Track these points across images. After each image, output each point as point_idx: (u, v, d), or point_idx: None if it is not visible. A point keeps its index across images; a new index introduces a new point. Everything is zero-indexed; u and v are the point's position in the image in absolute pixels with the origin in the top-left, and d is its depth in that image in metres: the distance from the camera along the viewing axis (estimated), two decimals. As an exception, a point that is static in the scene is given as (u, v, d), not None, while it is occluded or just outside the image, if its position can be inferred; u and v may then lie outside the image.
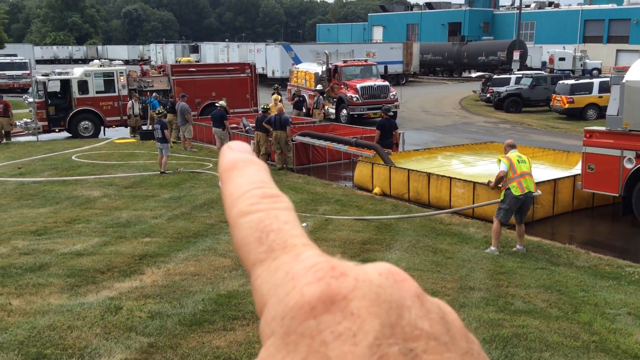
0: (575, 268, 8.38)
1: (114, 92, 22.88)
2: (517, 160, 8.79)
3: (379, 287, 0.36)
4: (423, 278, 7.39)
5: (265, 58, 44.42)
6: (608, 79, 22.88)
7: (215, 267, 7.69)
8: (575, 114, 25.97)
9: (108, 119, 22.85)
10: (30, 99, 22.75)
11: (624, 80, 10.77)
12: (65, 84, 22.38)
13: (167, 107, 19.98)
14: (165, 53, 68.25)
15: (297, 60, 39.14)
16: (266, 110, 16.58)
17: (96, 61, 25.39)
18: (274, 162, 15.95)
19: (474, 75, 48.69)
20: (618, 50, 57.87)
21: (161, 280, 7.20)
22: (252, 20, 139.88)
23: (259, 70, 33.23)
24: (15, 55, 48.83)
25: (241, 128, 19.27)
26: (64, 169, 15.98)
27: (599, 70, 46.25)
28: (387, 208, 11.79)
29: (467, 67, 53.99)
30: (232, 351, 5.36)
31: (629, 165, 10.68)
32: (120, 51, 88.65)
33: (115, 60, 32.17)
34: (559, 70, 43.54)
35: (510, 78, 32.92)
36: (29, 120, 22.43)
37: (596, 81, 26.86)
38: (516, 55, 43.63)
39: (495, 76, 35.63)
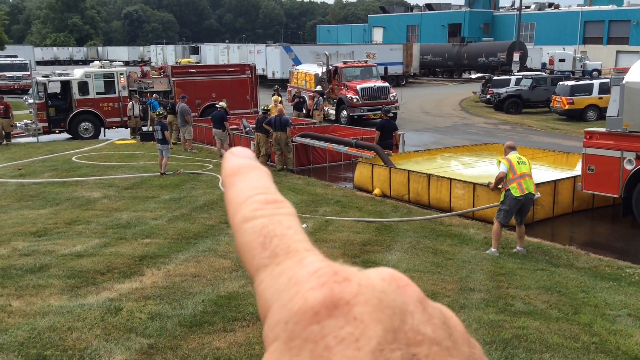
0: (575, 269, 8.38)
1: (114, 93, 22.89)
2: (517, 161, 8.80)
3: (381, 293, 0.37)
4: (423, 279, 7.39)
5: (266, 59, 44.44)
6: (608, 80, 22.88)
7: (215, 268, 7.69)
8: (575, 115, 25.99)
9: (108, 120, 22.86)
10: (31, 100, 22.75)
11: (624, 82, 10.78)
12: (66, 85, 22.40)
13: (168, 108, 19.98)
14: (166, 54, 68.31)
15: (297, 62, 39.15)
16: (266, 112, 16.59)
17: (96, 62, 25.41)
18: (274, 163, 15.95)
19: (474, 76, 48.73)
20: (618, 52, 57.90)
21: (161, 281, 7.20)
22: (252, 22, 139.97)
23: (259, 72, 33.25)
24: (15, 56, 48.91)
25: (241, 129, 19.28)
26: (64, 170, 15.99)
27: (599, 72, 46.27)
28: (387, 209, 11.79)
29: (467, 68, 54.02)
30: (232, 352, 5.36)
31: (629, 167, 10.68)
32: (121, 52, 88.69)
33: (115, 61, 32.14)
34: (559, 71, 43.55)
35: (510, 79, 32.93)
36: (29, 121, 22.44)
37: (596, 82, 26.88)
38: (516, 56, 43.65)
39: (495, 77, 35.65)
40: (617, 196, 11.00)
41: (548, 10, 68.12)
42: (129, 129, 22.66)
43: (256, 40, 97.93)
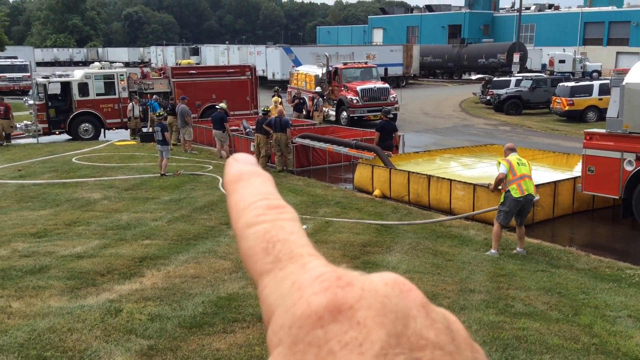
0: (575, 270, 8.38)
1: (115, 94, 22.89)
2: (517, 162, 8.81)
3: (384, 297, 0.37)
4: (423, 280, 7.38)
5: (266, 60, 44.45)
6: (608, 81, 22.88)
7: (215, 269, 7.69)
8: (575, 117, 25.99)
9: (108, 121, 22.87)
10: (31, 102, 22.74)
11: (624, 83, 10.78)
12: (66, 86, 22.40)
13: (168, 109, 19.99)
14: (166, 55, 68.33)
15: (297, 63, 39.17)
16: (266, 113, 16.59)
17: (96, 63, 25.41)
18: (274, 164, 15.96)
19: (474, 77, 48.74)
20: (618, 53, 57.94)
21: (161, 282, 7.20)
22: (252, 23, 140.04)
23: (259, 73, 33.24)
24: (15, 57, 48.97)
25: (241, 130, 19.28)
26: (64, 171, 15.99)
27: (599, 73, 46.32)
28: (387, 210, 11.79)
29: (467, 70, 54.05)
30: (232, 354, 5.35)
31: (629, 168, 10.68)
32: (121, 53, 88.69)
33: (115, 62, 32.14)
34: (559, 72, 43.56)
35: (510, 80, 32.95)
36: (29, 122, 22.44)
37: (596, 83, 26.88)
38: (516, 57, 43.69)
39: (495, 78, 35.66)
40: (617, 197, 11.00)
41: (548, 11, 68.19)
42: (129, 130, 22.67)
43: (256, 42, 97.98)
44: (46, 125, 22.15)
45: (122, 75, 23.33)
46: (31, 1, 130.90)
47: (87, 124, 22.55)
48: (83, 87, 22.34)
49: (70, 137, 22.53)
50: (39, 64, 69.55)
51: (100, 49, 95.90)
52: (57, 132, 22.44)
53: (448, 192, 11.72)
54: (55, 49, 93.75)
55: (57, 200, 12.52)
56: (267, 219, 0.41)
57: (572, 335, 5.93)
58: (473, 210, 11.11)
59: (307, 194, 13.03)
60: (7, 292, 6.80)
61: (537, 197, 9.34)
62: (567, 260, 8.84)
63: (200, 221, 10.53)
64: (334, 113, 25.78)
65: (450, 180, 11.80)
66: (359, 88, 24.72)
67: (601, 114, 23.62)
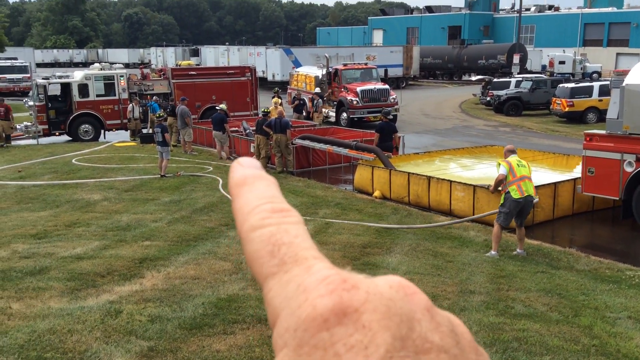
0: (575, 272, 8.38)
1: (115, 95, 22.90)
2: (517, 164, 8.81)
3: (389, 300, 0.37)
4: (423, 282, 7.38)
5: (266, 61, 44.47)
6: (608, 82, 22.89)
7: (215, 270, 7.69)
8: (575, 118, 25.99)
9: (108, 122, 22.87)
10: (31, 103, 22.76)
11: (624, 84, 10.78)
12: (66, 87, 22.41)
13: (168, 110, 20.00)
14: (166, 56, 68.36)
15: (297, 64, 39.18)
16: (266, 114, 16.60)
17: (96, 64, 25.42)
18: (274, 165, 15.96)
19: (474, 78, 48.73)
20: (618, 54, 57.96)
21: (161, 283, 7.20)
22: (252, 24, 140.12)
23: (259, 74, 33.25)
24: (15, 58, 48.98)
25: (241, 131, 19.29)
26: (64, 172, 15.99)
27: (599, 74, 46.32)
28: (387, 211, 11.79)
29: (467, 71, 54.07)
30: (232, 355, 5.35)
31: (629, 169, 10.68)
32: (121, 54, 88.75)
33: (115, 63, 32.17)
34: (559, 73, 43.58)
35: (510, 81, 32.94)
36: (29, 123, 22.45)
37: (596, 85, 26.88)
38: (516, 58, 43.70)
39: (495, 79, 35.67)
40: (617, 198, 11.00)
41: (548, 12, 68.24)
42: (128, 131, 22.68)
43: (256, 43, 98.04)
44: (46, 127, 22.15)
45: (122, 76, 23.34)
46: (31, 2, 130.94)
47: (87, 125, 22.56)
48: (83, 88, 22.35)
49: (70, 138, 22.54)
50: (39, 65, 69.59)
51: (100, 50, 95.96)
52: (57, 133, 22.45)
53: (448, 193, 11.72)
54: (55, 50, 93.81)
55: (57, 202, 12.52)
56: (272, 222, 0.42)
57: (572, 337, 5.93)
58: (473, 211, 11.12)
59: (307, 195, 13.03)
60: (7, 294, 6.80)
61: (536, 199, 9.34)
62: (567, 262, 8.84)
63: (200, 222, 10.53)
64: (334, 114, 25.79)
65: (451, 182, 11.80)
66: (359, 89, 24.74)
67: (601, 115, 23.62)
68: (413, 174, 12.67)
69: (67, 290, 6.93)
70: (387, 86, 26.05)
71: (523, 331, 5.98)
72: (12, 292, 6.86)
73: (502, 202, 8.93)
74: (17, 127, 22.29)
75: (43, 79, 22.98)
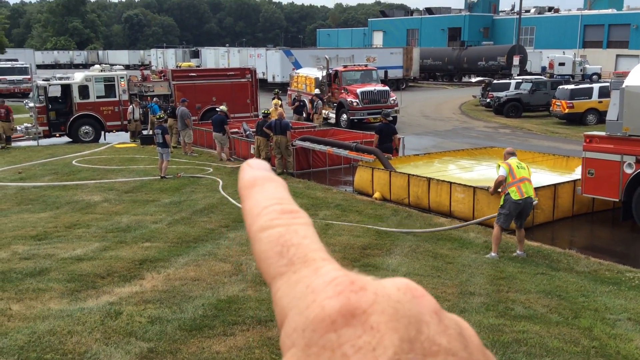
0: (575, 273, 8.38)
1: (115, 97, 22.92)
2: (517, 166, 8.83)
3: (397, 302, 0.37)
4: (423, 283, 7.38)
5: (266, 63, 44.48)
6: (608, 84, 22.90)
7: (215, 272, 7.69)
8: (575, 119, 26.00)
9: (108, 123, 22.88)
10: (31, 104, 22.78)
11: (623, 86, 10.79)
12: (66, 88, 22.41)
13: (168, 111, 20.01)
14: (166, 58, 68.35)
15: (297, 65, 39.18)
16: (267, 115, 16.61)
17: (97, 66, 25.44)
18: (274, 166, 15.96)
19: (473, 80, 48.76)
20: (618, 55, 57.97)
21: (161, 285, 7.20)
22: (252, 25, 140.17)
23: (260, 75, 33.27)
24: (16, 60, 49.00)
25: (241, 133, 19.29)
26: (64, 173, 15.99)
27: (599, 75, 46.33)
28: (387, 213, 11.79)
29: (467, 72, 54.07)
30: (232, 356, 5.36)
31: (628, 170, 10.68)
32: (121, 56, 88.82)
33: (116, 65, 32.24)
34: (558, 75, 43.60)
35: (510, 83, 32.95)
36: (29, 125, 22.47)
37: (596, 86, 26.88)
38: (516, 60, 43.71)
39: (495, 81, 35.67)
40: (617, 200, 11.00)
41: (548, 14, 68.25)
42: (129, 132, 22.70)
43: (256, 44, 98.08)
44: (46, 128, 22.16)
45: (123, 77, 23.36)
46: (32, 4, 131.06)
47: (87, 127, 22.56)
48: (83, 90, 22.36)
49: (71, 140, 22.55)
50: (39, 67, 69.61)
51: (100, 52, 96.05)
52: (57, 135, 22.46)
53: (448, 194, 11.72)
54: (55, 52, 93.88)
55: (57, 203, 12.52)
56: (281, 223, 0.42)
57: (572, 338, 5.93)
58: (473, 212, 11.12)
59: (307, 196, 13.03)
60: (7, 295, 6.80)
61: (535, 201, 9.35)
62: (567, 263, 8.84)
63: (201, 224, 10.53)
64: (334, 116, 25.80)
65: (450, 183, 11.80)
66: (359, 91, 24.75)
67: (601, 116, 23.62)
68: (413, 175, 12.67)
69: (67, 291, 6.93)
70: (387, 88, 26.07)
71: (523, 333, 5.98)
72: (12, 293, 6.86)
73: (501, 203, 8.94)
74: (18, 128, 22.32)
75: (43, 80, 22.99)
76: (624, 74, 14.17)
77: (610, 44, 59.92)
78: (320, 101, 24.71)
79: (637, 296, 7.40)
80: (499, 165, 9.02)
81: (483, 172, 14.00)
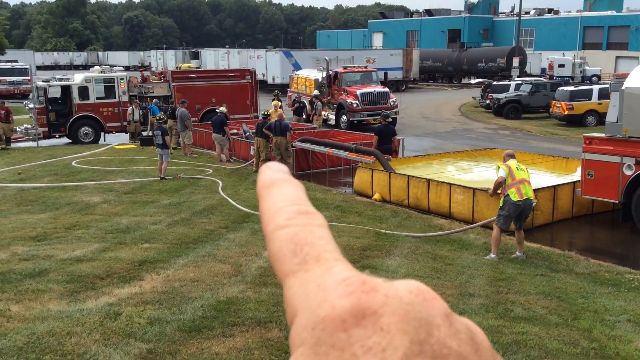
0: (574, 275, 8.38)
1: (115, 98, 22.93)
2: (516, 167, 8.84)
3: (408, 305, 0.38)
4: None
5: (266, 64, 44.50)
6: (607, 85, 22.92)
7: (214, 273, 7.69)
8: (574, 121, 26.01)
9: (108, 124, 22.89)
10: (31, 105, 22.78)
11: (623, 87, 10.80)
12: (66, 90, 22.42)
13: (168, 113, 20.01)
14: (166, 59, 68.38)
15: (297, 67, 39.19)
16: (266, 117, 16.61)
17: (97, 67, 25.45)
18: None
19: (473, 81, 48.83)
20: (617, 57, 58.01)
21: (160, 286, 7.20)
22: (252, 27, 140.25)
23: (259, 77, 33.27)
24: (16, 61, 49.01)
25: (241, 134, 19.29)
26: (64, 174, 15.99)
27: (599, 77, 46.35)
28: (387, 214, 11.79)
29: (466, 74, 54.12)
30: (231, 357, 5.35)
31: (628, 172, 10.69)
32: (121, 57, 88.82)
33: (115, 66, 32.22)
34: (558, 76, 43.60)
35: (509, 84, 32.97)
36: (29, 126, 22.47)
37: (595, 88, 26.90)
38: (516, 61, 43.73)
39: (494, 83, 35.70)
40: (617, 202, 11.01)
41: (547, 15, 68.29)
42: (128, 133, 22.70)
43: (256, 46, 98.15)
44: (46, 129, 22.17)
45: (122, 79, 23.36)
46: (32, 5, 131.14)
47: (87, 128, 22.57)
48: (83, 91, 22.37)
49: (70, 141, 22.55)
50: (39, 68, 69.64)
51: (100, 53, 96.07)
52: (57, 136, 22.47)
53: (447, 196, 11.73)
54: (55, 53, 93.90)
55: (57, 204, 12.52)
56: (297, 222, 0.43)
57: (571, 340, 5.93)
58: (472, 214, 11.12)
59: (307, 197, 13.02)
60: (6, 296, 6.80)
61: (534, 202, 9.36)
62: (566, 265, 8.84)
63: (200, 225, 10.53)
64: (333, 117, 25.81)
65: (450, 184, 11.80)
66: (358, 92, 24.76)
67: (601, 118, 23.64)
68: (413, 176, 12.68)
69: (67, 292, 6.93)
70: (386, 89, 26.07)
71: (522, 334, 5.98)
72: (12, 294, 6.86)
73: (501, 205, 8.95)
74: (17, 129, 22.32)
75: (43, 81, 23.00)
76: (624, 76, 14.18)
77: (610, 45, 59.97)
78: (320, 102, 24.72)
79: (636, 298, 7.40)
80: (499, 167, 9.03)
81: (482, 174, 14.01)
